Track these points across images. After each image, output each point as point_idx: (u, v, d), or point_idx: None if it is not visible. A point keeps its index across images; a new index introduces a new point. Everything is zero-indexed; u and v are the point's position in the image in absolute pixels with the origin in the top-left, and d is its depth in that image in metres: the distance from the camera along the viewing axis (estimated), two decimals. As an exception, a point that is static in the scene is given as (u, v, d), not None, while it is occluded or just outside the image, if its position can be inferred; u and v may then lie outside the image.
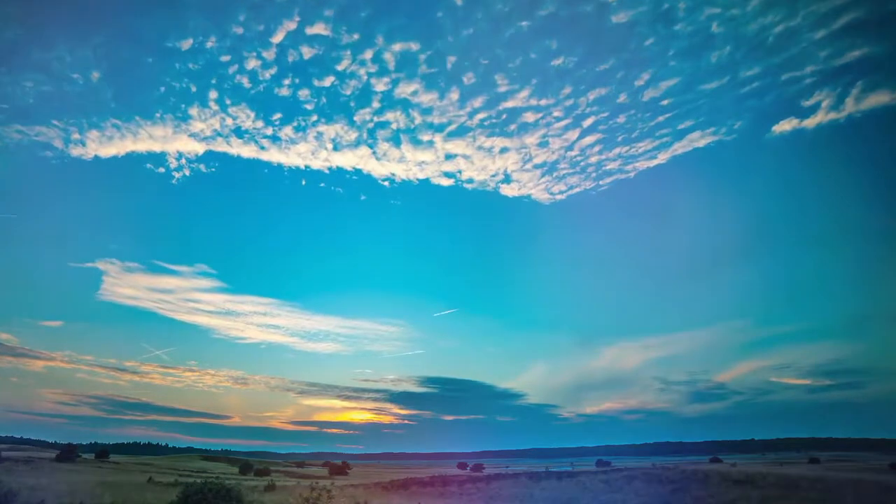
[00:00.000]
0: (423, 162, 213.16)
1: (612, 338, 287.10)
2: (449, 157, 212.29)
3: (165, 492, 24.02)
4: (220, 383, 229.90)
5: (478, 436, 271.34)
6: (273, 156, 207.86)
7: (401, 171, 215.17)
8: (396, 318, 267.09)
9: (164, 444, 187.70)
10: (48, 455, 55.69)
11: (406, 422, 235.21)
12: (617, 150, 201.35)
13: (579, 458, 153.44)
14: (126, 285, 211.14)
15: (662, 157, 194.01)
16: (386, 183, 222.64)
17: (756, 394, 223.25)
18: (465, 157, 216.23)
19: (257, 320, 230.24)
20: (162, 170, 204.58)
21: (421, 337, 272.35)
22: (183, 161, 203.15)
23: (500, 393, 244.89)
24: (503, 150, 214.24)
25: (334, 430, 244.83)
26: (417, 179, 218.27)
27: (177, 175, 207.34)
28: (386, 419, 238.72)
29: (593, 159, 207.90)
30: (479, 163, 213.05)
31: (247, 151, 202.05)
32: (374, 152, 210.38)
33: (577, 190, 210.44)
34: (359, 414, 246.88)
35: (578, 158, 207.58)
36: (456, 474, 46.05)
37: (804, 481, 25.88)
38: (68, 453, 50.51)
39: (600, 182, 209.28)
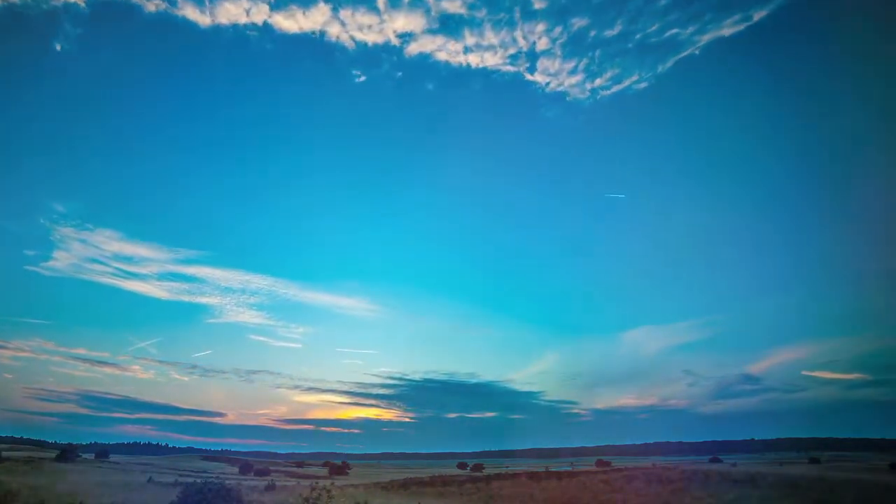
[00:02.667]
0: (408, 34, 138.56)
1: (636, 319, 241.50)
2: (446, 22, 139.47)
3: (165, 492, 24.00)
4: (207, 377, 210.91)
5: (481, 435, 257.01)
6: (188, 12, 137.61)
7: (377, 42, 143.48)
8: (384, 296, 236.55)
9: (163, 443, 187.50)
10: (48, 455, 55.72)
11: (406, 419, 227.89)
12: (695, 6, 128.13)
13: (580, 458, 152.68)
14: (73, 252, 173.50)
15: (758, 15, 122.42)
16: (358, 73, 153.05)
17: (788, 390, 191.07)
18: (472, 23, 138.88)
19: (235, 300, 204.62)
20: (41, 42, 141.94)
21: (417, 321, 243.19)
22: (66, 27, 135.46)
23: (505, 390, 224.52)
24: (528, 16, 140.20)
25: (331, 429, 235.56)
26: (396, 53, 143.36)
27: (60, 45, 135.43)
28: (385, 416, 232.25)
29: (654, 27, 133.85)
30: (491, 35, 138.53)
31: (152, 5, 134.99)
32: (334, 9, 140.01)
33: (626, 83, 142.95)
34: (356, 412, 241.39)
35: (632, 28, 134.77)
36: (456, 474, 46.06)
37: (804, 481, 25.88)
38: (68, 453, 50.52)
39: (659, 67, 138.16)
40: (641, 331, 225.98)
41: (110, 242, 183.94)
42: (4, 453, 48.58)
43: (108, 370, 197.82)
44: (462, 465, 78.86)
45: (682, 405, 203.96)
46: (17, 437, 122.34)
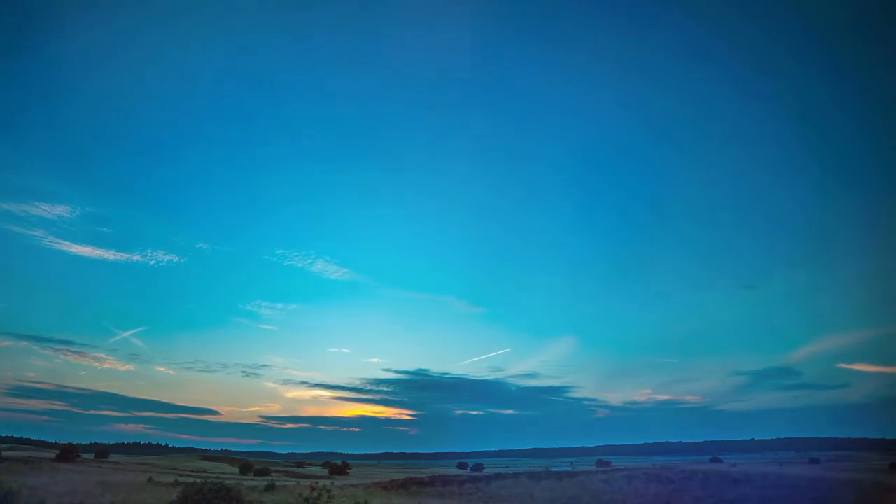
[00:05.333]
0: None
1: (660, 299, 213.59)
2: None
3: (165, 492, 24.00)
4: (193, 370, 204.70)
5: (483, 433, 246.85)
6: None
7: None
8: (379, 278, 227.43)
9: (162, 443, 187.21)
10: (48, 455, 55.72)
11: (406, 417, 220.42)
12: None
13: (579, 457, 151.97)
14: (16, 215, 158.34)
15: None
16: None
17: (821, 386, 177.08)
18: None
19: (203, 267, 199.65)
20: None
21: (418, 310, 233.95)
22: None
23: (509, 385, 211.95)
24: None
25: (329, 427, 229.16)
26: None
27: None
28: (382, 413, 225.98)
29: None
30: None
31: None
32: None
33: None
34: (354, 409, 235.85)
35: None
36: (456, 474, 46.03)
37: (804, 481, 25.88)
38: (68, 453, 50.49)
39: None
40: (665, 313, 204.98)
41: (39, 194, 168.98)
42: (4, 453, 48.56)
43: (84, 362, 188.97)
44: (462, 465, 78.87)
45: (703, 402, 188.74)
46: (16, 437, 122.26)
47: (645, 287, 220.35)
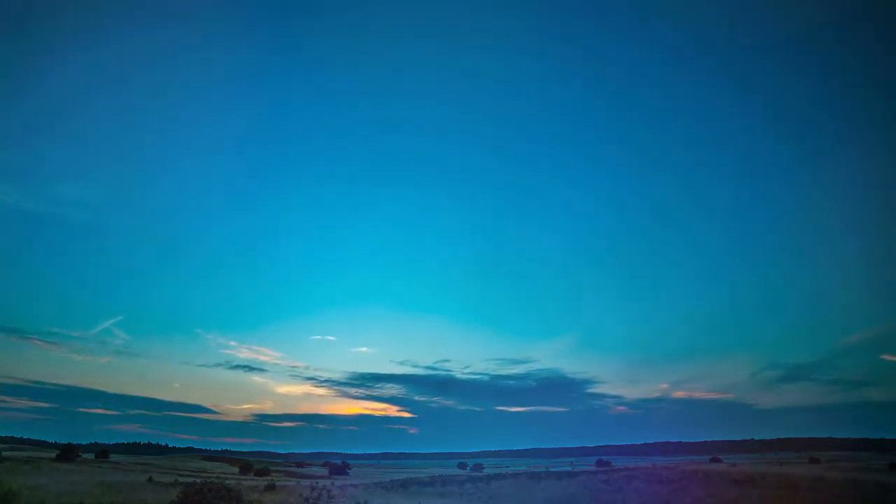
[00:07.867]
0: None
1: (685, 283, 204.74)
2: None
3: (165, 492, 23.99)
4: (184, 365, 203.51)
5: (484, 433, 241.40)
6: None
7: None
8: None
9: (162, 443, 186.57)
10: (48, 455, 55.74)
11: (406, 414, 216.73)
12: None
13: (580, 457, 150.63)
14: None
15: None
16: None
17: (865, 382, 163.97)
18: None
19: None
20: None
21: (420, 304, 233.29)
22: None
23: (527, 379, 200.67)
24: None
25: (327, 426, 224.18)
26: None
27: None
28: (383, 411, 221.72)
29: None
30: None
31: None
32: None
33: None
34: (351, 408, 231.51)
35: None
36: (456, 474, 46.07)
37: (804, 481, 25.87)
38: (68, 453, 50.49)
39: None
40: (690, 298, 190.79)
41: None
42: (4, 453, 48.54)
43: (59, 352, 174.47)
44: (462, 465, 78.91)
45: (730, 397, 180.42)
46: (17, 437, 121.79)
47: (663, 280, 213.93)
